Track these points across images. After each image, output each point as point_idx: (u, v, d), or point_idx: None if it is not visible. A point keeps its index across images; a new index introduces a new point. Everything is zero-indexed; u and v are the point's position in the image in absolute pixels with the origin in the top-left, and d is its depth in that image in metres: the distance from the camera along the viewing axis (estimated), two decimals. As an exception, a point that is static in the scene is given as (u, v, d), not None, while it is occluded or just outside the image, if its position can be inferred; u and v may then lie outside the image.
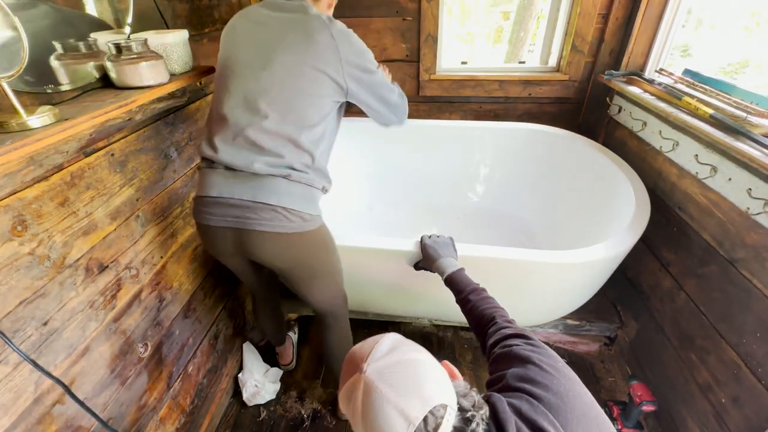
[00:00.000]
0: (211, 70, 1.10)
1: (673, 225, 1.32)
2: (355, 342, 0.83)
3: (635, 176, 1.44)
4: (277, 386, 1.49)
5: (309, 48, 0.86)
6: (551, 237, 1.76)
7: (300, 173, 0.90)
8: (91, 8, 0.91)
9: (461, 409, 0.52)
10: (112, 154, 0.88)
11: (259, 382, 1.45)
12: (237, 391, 1.49)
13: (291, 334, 1.64)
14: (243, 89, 0.88)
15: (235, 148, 0.88)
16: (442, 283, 1.03)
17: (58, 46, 0.81)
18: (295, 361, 1.59)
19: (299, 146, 0.89)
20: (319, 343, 1.68)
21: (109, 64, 0.85)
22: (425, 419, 0.49)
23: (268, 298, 1.35)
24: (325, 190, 0.99)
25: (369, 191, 2.12)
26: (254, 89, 0.87)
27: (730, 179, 1.09)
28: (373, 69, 0.95)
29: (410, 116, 1.97)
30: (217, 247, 0.98)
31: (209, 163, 0.91)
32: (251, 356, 1.52)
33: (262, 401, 1.45)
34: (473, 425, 0.51)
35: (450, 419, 0.50)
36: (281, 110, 0.87)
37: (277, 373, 1.52)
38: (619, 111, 1.66)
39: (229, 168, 0.89)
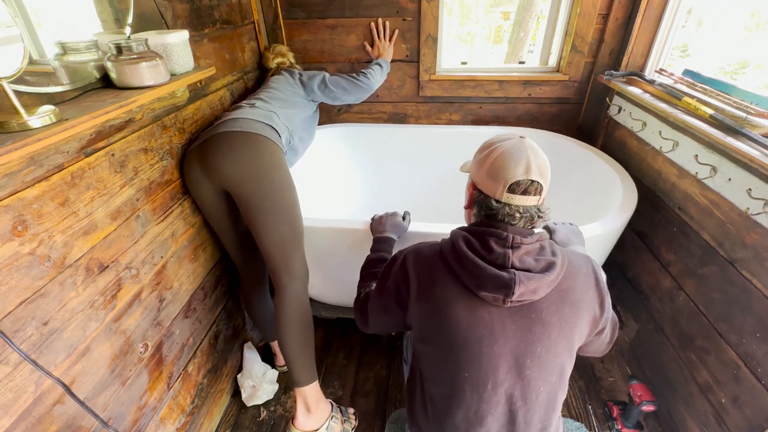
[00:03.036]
0: (210, 70, 1.10)
1: (673, 225, 1.32)
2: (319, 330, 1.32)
3: (622, 170, 1.51)
4: (275, 387, 1.49)
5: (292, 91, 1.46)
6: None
7: (264, 103, 1.26)
8: (91, 8, 0.91)
9: (540, 208, 0.76)
10: (113, 154, 0.88)
11: (257, 383, 1.45)
12: (237, 391, 1.49)
13: None
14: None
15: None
16: None
17: (58, 46, 0.81)
18: None
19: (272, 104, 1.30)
20: (320, 344, 1.69)
21: (109, 64, 0.85)
22: (531, 182, 0.71)
23: (251, 267, 1.34)
24: (286, 141, 1.24)
25: (369, 197, 2.13)
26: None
27: (729, 179, 1.09)
28: (316, 74, 1.51)
29: (411, 121, 2.00)
30: (191, 176, 1.12)
31: None
32: (251, 357, 1.51)
33: (260, 402, 1.45)
34: (542, 216, 0.76)
35: (534, 200, 0.73)
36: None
37: (275, 374, 1.52)
38: (619, 111, 1.66)
39: None
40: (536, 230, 0.77)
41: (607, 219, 1.26)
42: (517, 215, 0.73)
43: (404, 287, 0.80)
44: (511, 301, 0.69)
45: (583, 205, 1.63)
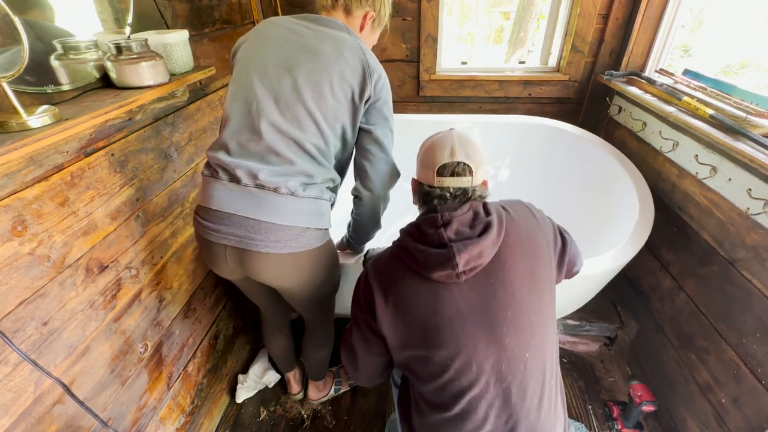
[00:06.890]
0: (210, 70, 1.10)
1: (673, 225, 1.32)
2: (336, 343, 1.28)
3: (641, 179, 1.41)
4: (263, 385, 1.48)
5: (341, 64, 0.84)
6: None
7: (309, 186, 0.86)
8: (91, 8, 0.91)
9: (475, 188, 0.80)
10: (112, 154, 0.88)
11: (248, 379, 1.46)
12: (237, 391, 1.49)
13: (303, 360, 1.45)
14: (265, 91, 0.84)
15: (244, 155, 0.83)
16: None
17: (58, 46, 0.81)
18: (303, 391, 1.47)
19: (310, 153, 0.86)
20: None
21: (109, 64, 0.85)
22: (458, 164, 0.78)
23: (275, 313, 1.25)
24: (332, 203, 0.97)
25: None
26: (277, 93, 0.83)
27: (729, 179, 1.09)
28: (388, 122, 0.96)
29: (412, 112, 1.99)
30: (216, 265, 0.94)
31: (212, 171, 0.86)
32: (260, 358, 1.52)
33: (246, 396, 1.46)
34: (480, 193, 0.80)
35: (466, 181, 0.78)
36: (301, 116, 0.83)
37: (275, 377, 1.49)
38: (619, 111, 1.66)
39: (233, 179, 0.83)
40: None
41: (620, 248, 1.16)
42: (448, 195, 0.79)
43: (371, 298, 0.80)
44: (463, 273, 0.72)
45: (593, 216, 1.58)
